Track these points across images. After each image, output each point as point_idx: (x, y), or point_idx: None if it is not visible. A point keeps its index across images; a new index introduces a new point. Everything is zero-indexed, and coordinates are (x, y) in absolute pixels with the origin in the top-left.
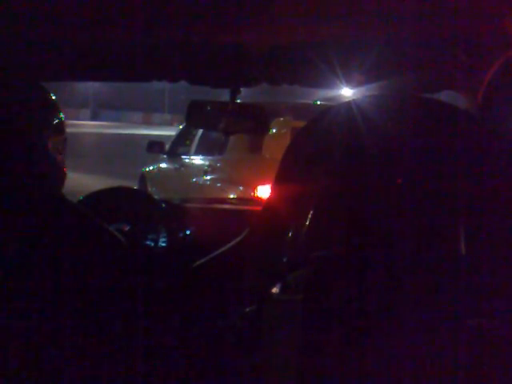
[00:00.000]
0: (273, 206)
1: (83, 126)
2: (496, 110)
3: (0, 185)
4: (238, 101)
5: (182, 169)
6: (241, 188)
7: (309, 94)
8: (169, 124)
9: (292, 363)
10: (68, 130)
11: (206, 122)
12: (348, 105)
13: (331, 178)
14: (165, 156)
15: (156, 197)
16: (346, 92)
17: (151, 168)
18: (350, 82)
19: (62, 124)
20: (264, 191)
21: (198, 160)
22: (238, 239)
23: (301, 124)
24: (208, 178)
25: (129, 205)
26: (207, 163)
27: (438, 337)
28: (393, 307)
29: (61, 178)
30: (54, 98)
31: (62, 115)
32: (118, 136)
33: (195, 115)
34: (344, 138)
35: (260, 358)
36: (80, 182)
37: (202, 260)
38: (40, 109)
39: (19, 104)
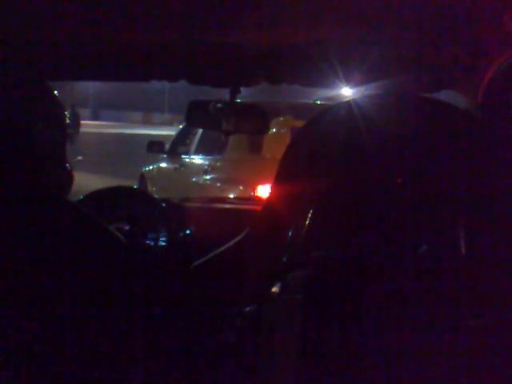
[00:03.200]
0: (273, 205)
1: (83, 125)
2: (496, 110)
3: (3, 183)
4: (238, 100)
5: (182, 168)
6: (241, 187)
7: (309, 93)
8: (169, 124)
9: (292, 363)
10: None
11: (206, 122)
12: (348, 104)
13: (331, 177)
14: (165, 156)
15: (156, 196)
16: (346, 91)
17: (151, 168)
18: (349, 82)
19: (65, 123)
20: (264, 191)
21: (197, 159)
22: (238, 239)
23: (301, 123)
24: (208, 177)
25: (129, 204)
26: (207, 163)
27: (438, 337)
28: (392, 307)
29: (69, 180)
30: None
31: (66, 114)
32: (118, 136)
33: (195, 115)
34: (344, 138)
35: (260, 357)
36: (80, 181)
37: (202, 259)
38: (48, 108)
39: (25, 102)
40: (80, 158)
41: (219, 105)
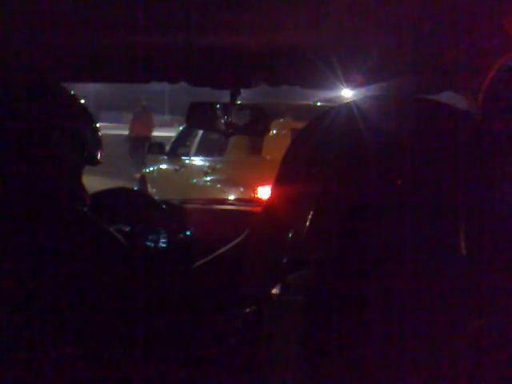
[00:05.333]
0: (273, 207)
1: None
2: (496, 112)
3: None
4: (238, 102)
5: (182, 170)
6: (241, 189)
7: (309, 95)
8: (169, 125)
9: (292, 363)
10: None
11: (206, 123)
12: (348, 106)
13: (331, 178)
14: (165, 157)
15: (156, 198)
16: (346, 93)
17: (151, 169)
18: (350, 83)
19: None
20: (264, 192)
21: (198, 161)
22: (238, 240)
23: (301, 125)
24: (208, 179)
25: (129, 206)
26: (207, 164)
27: (439, 338)
28: (393, 308)
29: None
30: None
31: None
32: (119, 137)
33: (195, 116)
34: (344, 139)
35: (260, 357)
36: None
37: (202, 261)
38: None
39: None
40: None
41: (219, 106)
